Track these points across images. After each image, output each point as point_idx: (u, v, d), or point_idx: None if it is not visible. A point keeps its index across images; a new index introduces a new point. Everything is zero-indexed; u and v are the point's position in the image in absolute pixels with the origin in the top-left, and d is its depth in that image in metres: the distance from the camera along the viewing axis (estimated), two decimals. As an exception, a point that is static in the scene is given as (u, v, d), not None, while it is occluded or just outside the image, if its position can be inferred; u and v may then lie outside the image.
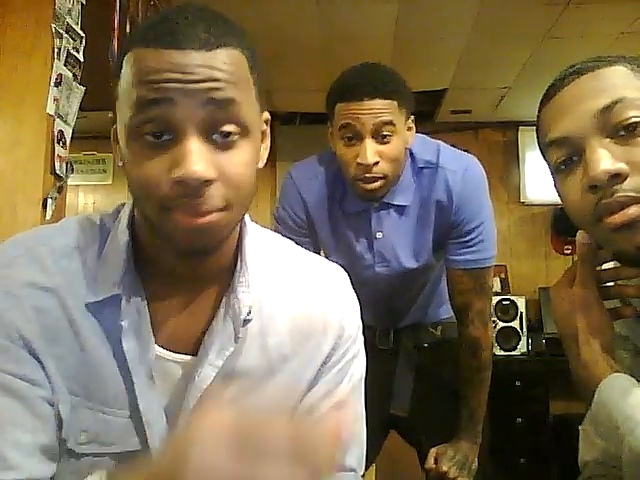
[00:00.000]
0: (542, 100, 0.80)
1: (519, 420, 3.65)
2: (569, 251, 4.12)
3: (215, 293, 0.78)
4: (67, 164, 1.89)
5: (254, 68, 0.72)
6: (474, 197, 1.43)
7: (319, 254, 1.50)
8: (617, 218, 0.71)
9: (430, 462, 1.53)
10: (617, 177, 0.70)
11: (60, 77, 1.84)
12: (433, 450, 1.54)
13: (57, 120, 1.84)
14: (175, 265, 0.75)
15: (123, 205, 0.81)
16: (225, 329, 0.75)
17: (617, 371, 0.75)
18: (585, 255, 0.80)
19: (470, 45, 3.16)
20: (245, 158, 0.68)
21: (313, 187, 1.48)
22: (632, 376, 0.74)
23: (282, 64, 3.29)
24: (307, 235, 1.52)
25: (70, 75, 1.90)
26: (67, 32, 1.88)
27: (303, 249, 0.89)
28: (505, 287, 4.12)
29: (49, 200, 1.80)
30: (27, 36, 1.85)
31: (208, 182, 0.64)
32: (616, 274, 0.80)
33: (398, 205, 1.44)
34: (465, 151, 1.51)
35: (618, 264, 0.80)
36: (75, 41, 1.92)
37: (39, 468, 0.68)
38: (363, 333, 0.87)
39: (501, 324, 3.84)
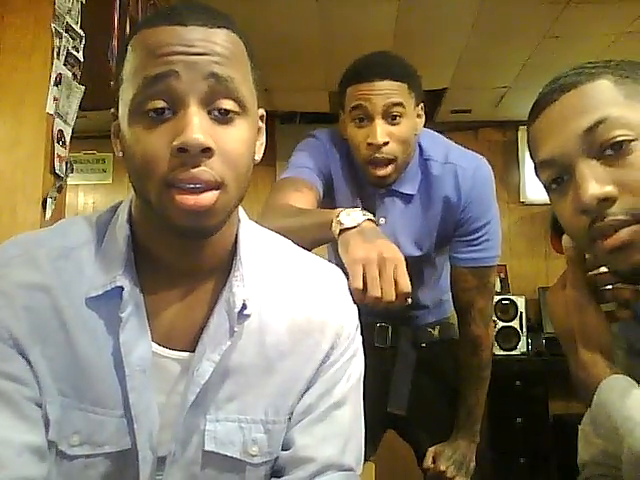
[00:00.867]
0: (529, 118, 0.80)
1: (519, 420, 3.65)
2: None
3: (211, 289, 0.78)
4: (67, 163, 1.89)
5: (251, 57, 0.75)
6: (483, 196, 1.44)
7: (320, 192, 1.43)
8: (610, 242, 0.71)
9: (428, 461, 1.53)
10: (606, 201, 0.70)
11: (60, 76, 1.84)
12: (431, 449, 1.54)
13: (57, 119, 1.84)
14: (172, 258, 0.76)
15: (120, 203, 0.81)
16: (221, 324, 0.75)
17: (616, 372, 0.75)
18: (573, 258, 0.81)
19: (470, 45, 3.16)
20: (242, 135, 0.71)
21: (337, 155, 1.48)
22: (629, 377, 0.74)
23: (282, 63, 3.29)
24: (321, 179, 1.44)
25: (70, 75, 1.90)
26: (67, 31, 1.88)
27: (301, 248, 0.90)
28: (505, 287, 4.12)
29: (49, 200, 1.80)
30: (27, 35, 1.85)
31: (207, 152, 0.67)
32: (612, 277, 0.80)
33: (404, 193, 1.44)
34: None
35: None
36: (75, 40, 1.92)
37: (30, 468, 0.68)
38: (361, 331, 0.88)
39: (501, 324, 3.84)
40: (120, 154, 0.74)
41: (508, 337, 3.84)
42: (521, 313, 3.90)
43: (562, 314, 0.82)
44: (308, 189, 1.35)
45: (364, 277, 0.94)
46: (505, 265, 4.16)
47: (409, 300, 0.98)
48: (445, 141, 1.50)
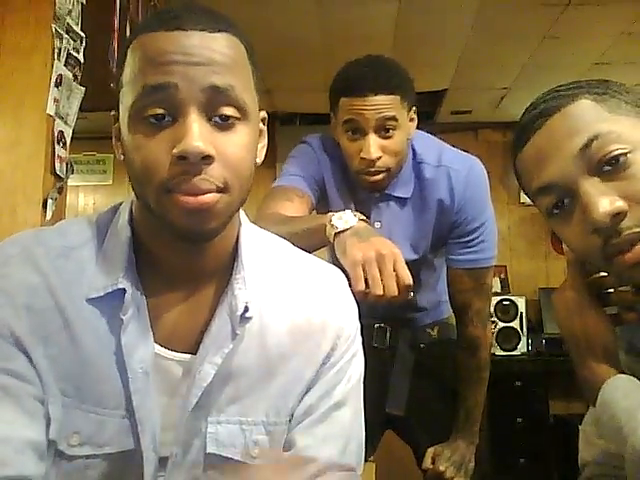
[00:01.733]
0: (514, 147, 0.80)
1: (519, 420, 3.65)
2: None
3: (213, 291, 0.78)
4: (67, 164, 1.89)
5: (252, 60, 0.74)
6: (477, 197, 1.44)
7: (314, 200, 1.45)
8: (630, 258, 0.70)
9: (427, 462, 1.53)
10: (618, 215, 0.70)
11: (60, 78, 1.85)
12: (430, 450, 1.54)
13: (57, 121, 1.84)
14: (174, 260, 0.75)
15: (120, 203, 0.81)
16: (223, 326, 0.75)
17: (621, 372, 0.76)
18: (572, 261, 0.81)
19: (470, 45, 3.16)
20: (243, 140, 0.71)
21: (329, 161, 1.48)
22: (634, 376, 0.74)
23: (282, 64, 3.29)
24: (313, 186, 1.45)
25: (70, 76, 1.90)
26: (67, 33, 1.88)
27: (301, 250, 0.90)
28: (505, 287, 4.13)
29: (49, 200, 1.80)
30: (27, 36, 1.85)
31: (207, 159, 0.66)
32: (616, 281, 0.80)
33: (398, 197, 1.44)
34: (465, 151, 1.52)
35: None
36: (75, 42, 1.93)
37: (31, 465, 0.68)
38: (360, 333, 0.88)
39: (501, 324, 3.84)
40: (121, 157, 0.74)
41: (508, 337, 3.84)
42: (521, 313, 3.90)
43: (565, 315, 0.82)
44: (299, 198, 1.36)
45: (365, 277, 0.96)
46: (505, 265, 4.16)
47: (412, 293, 1.00)
48: (438, 143, 1.50)
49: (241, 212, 0.81)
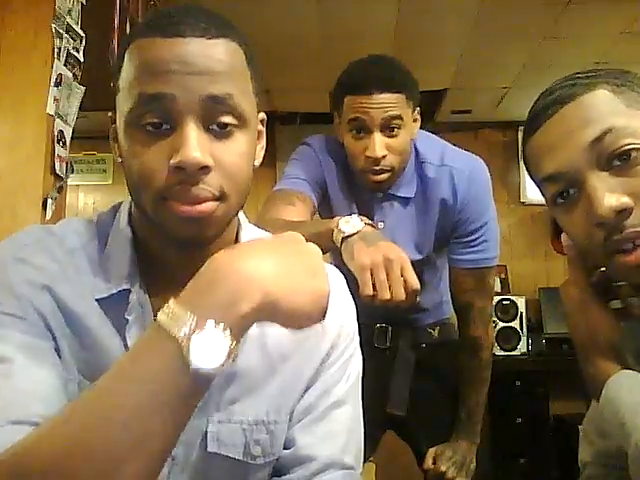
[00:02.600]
0: (526, 132, 0.78)
1: (519, 420, 3.65)
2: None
3: None
4: (67, 164, 1.89)
5: (251, 64, 0.74)
6: (479, 197, 1.44)
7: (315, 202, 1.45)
8: (632, 259, 0.70)
9: (428, 462, 1.53)
10: (623, 212, 0.69)
11: (60, 77, 1.85)
12: (432, 450, 1.54)
13: (57, 120, 1.84)
14: (174, 262, 0.75)
15: (120, 204, 0.81)
16: None
17: (626, 368, 0.75)
18: (573, 257, 0.80)
19: (470, 45, 3.16)
20: (241, 148, 0.70)
21: (331, 163, 1.48)
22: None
23: (282, 64, 3.29)
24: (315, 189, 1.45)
25: (70, 75, 1.90)
26: (67, 32, 1.88)
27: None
28: (505, 287, 4.12)
29: (49, 200, 1.80)
30: (27, 36, 1.85)
31: (205, 169, 0.66)
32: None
33: (401, 197, 1.44)
34: (466, 151, 1.52)
35: None
36: (75, 41, 1.93)
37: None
38: (360, 332, 0.88)
39: (501, 324, 3.84)
40: (119, 159, 0.73)
41: (508, 337, 3.84)
42: (521, 313, 3.90)
43: (571, 312, 0.81)
44: (301, 202, 1.36)
45: (373, 282, 0.97)
46: (505, 265, 4.16)
47: (419, 298, 1.01)
48: (441, 143, 1.50)
49: (241, 213, 0.81)
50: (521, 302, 3.93)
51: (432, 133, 1.55)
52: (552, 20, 2.89)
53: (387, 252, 1.01)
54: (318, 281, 0.60)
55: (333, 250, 1.12)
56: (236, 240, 0.80)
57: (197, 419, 0.75)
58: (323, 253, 1.19)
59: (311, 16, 2.88)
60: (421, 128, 1.46)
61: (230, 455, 0.76)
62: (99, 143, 3.99)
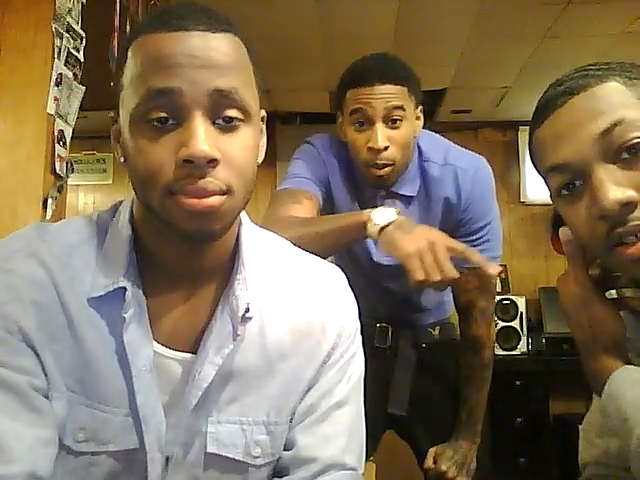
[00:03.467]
0: (534, 122, 0.77)
1: (519, 420, 3.65)
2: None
3: (213, 291, 0.78)
4: (67, 164, 1.89)
5: (252, 60, 0.74)
6: (483, 197, 1.44)
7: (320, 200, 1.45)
8: (633, 251, 0.69)
9: (429, 462, 1.53)
10: (628, 205, 0.68)
11: (60, 77, 1.85)
12: (432, 450, 1.54)
13: (57, 120, 1.84)
14: (175, 260, 0.75)
15: (120, 202, 0.81)
16: (224, 327, 0.75)
17: (628, 363, 0.75)
18: (573, 252, 0.80)
19: (470, 45, 3.16)
20: (247, 142, 0.70)
21: (334, 161, 1.47)
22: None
23: (282, 63, 3.29)
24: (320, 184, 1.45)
25: (70, 75, 1.90)
26: (67, 32, 1.88)
27: (300, 250, 0.90)
28: (505, 287, 4.12)
29: (49, 200, 1.80)
30: (27, 35, 1.85)
31: (213, 162, 0.66)
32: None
33: (404, 195, 1.44)
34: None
35: None
36: (75, 41, 1.93)
37: (42, 462, 0.68)
38: (361, 331, 0.88)
39: (501, 324, 3.84)
40: (121, 159, 0.73)
41: (508, 337, 3.84)
42: (521, 313, 3.90)
43: (572, 310, 0.80)
44: (308, 200, 1.35)
45: (423, 267, 1.02)
46: (505, 265, 4.16)
47: (476, 256, 1.07)
48: (444, 142, 1.50)
49: (242, 212, 0.81)
50: (521, 302, 3.93)
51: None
52: (552, 20, 2.89)
53: (427, 236, 1.05)
54: None
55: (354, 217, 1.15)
56: (237, 238, 0.80)
57: (196, 419, 0.75)
58: (341, 249, 1.22)
59: (311, 16, 2.88)
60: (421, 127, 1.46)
61: (230, 455, 0.76)
62: (99, 143, 3.99)
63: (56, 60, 1.84)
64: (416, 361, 1.58)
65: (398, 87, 1.32)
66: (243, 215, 0.82)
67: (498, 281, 4.02)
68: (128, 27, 2.12)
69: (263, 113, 0.79)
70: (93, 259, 0.75)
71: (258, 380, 0.78)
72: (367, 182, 1.41)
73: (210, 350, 0.74)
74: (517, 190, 4.34)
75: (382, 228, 1.10)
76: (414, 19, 2.90)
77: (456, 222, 1.44)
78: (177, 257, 0.75)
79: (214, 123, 0.68)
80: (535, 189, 4.30)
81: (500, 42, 3.14)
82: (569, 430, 3.50)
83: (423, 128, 1.46)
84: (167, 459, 0.74)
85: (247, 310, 0.75)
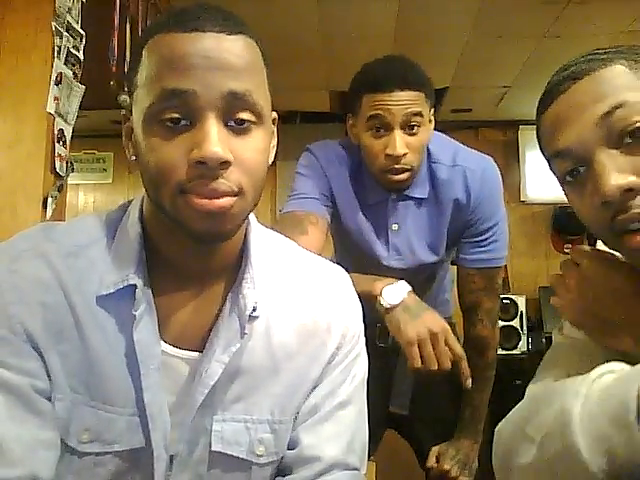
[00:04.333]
0: (539, 107, 0.76)
1: (519, 419, 3.65)
2: (569, 250, 4.12)
3: (221, 290, 0.78)
4: (67, 163, 1.89)
5: (266, 62, 0.75)
6: (491, 197, 1.44)
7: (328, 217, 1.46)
8: (639, 240, 0.67)
9: (432, 461, 1.53)
10: (629, 192, 0.66)
11: (60, 76, 1.85)
12: (435, 449, 1.54)
13: (57, 119, 1.84)
14: (183, 259, 0.76)
15: (130, 201, 0.81)
16: (231, 325, 0.75)
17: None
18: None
19: (470, 44, 3.16)
20: (259, 145, 0.70)
21: (336, 170, 1.46)
22: None
23: (282, 63, 3.28)
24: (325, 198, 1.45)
25: (70, 74, 1.90)
26: (67, 31, 1.88)
27: (306, 250, 0.90)
28: (505, 286, 4.12)
29: (49, 199, 1.80)
30: (27, 35, 1.85)
31: (225, 164, 0.66)
32: None
33: (415, 197, 1.44)
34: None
35: None
36: (75, 40, 1.92)
37: (42, 465, 0.68)
38: (364, 331, 0.88)
39: (501, 323, 3.84)
40: (132, 158, 0.73)
41: (509, 336, 3.84)
42: (522, 312, 3.90)
43: (588, 282, 0.75)
44: (314, 225, 1.34)
45: (421, 355, 1.12)
46: (505, 264, 4.15)
47: (465, 364, 1.17)
48: (452, 143, 1.50)
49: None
50: (521, 301, 3.93)
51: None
52: (552, 19, 2.89)
53: (431, 325, 1.13)
54: None
55: (334, 245, 1.16)
56: (245, 238, 0.80)
57: (201, 417, 0.75)
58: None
59: (311, 15, 2.87)
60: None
61: (234, 454, 0.76)
62: (99, 142, 4.00)
63: (56, 59, 1.83)
64: None
65: (417, 93, 1.31)
66: (251, 215, 0.82)
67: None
68: (128, 26, 2.12)
69: (274, 115, 0.79)
70: (101, 258, 0.75)
71: (263, 379, 0.78)
72: (382, 186, 1.40)
73: (217, 348, 0.74)
74: (517, 189, 4.34)
75: (391, 307, 1.18)
76: (414, 19, 2.90)
77: (464, 223, 1.44)
78: (186, 256, 0.75)
79: (227, 125, 0.68)
80: (535, 188, 4.30)
81: (500, 42, 3.14)
82: (569, 429, 3.49)
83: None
84: (171, 457, 0.74)
85: (254, 309, 0.75)
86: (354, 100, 1.37)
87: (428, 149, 1.44)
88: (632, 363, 0.66)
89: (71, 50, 1.90)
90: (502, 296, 3.92)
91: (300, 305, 0.81)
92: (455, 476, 1.50)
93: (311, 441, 0.79)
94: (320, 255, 1.02)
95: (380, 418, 1.53)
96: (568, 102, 0.71)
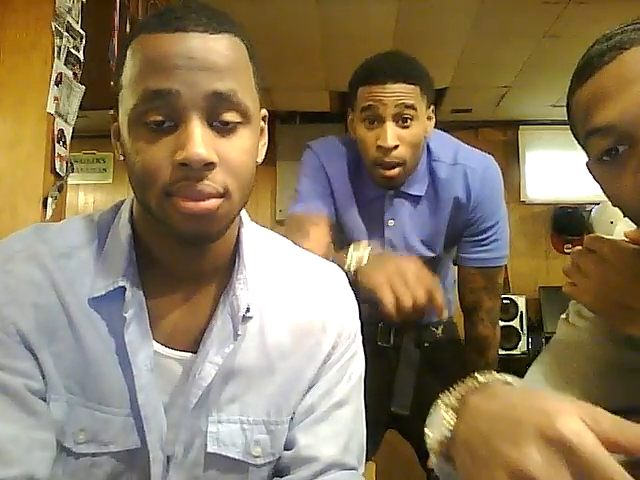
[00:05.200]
0: (575, 80, 0.70)
1: (519, 419, 3.65)
2: (569, 250, 4.12)
3: (213, 291, 0.78)
4: (67, 163, 1.89)
5: (253, 59, 0.73)
6: (492, 196, 1.44)
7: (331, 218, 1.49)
8: None
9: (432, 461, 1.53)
10: None
11: (60, 76, 1.84)
12: (436, 449, 1.54)
13: (57, 119, 1.84)
14: (174, 260, 0.75)
15: (122, 202, 0.81)
16: (224, 326, 0.75)
17: None
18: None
19: (470, 44, 3.16)
20: (245, 145, 0.70)
21: (336, 166, 1.47)
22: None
23: (281, 63, 3.29)
24: (326, 197, 1.48)
25: (70, 74, 1.89)
26: (67, 31, 1.88)
27: (301, 249, 0.90)
28: (505, 286, 4.12)
29: (49, 199, 1.80)
30: (27, 35, 1.85)
31: (210, 166, 0.66)
32: None
33: (413, 195, 1.44)
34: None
35: None
36: (75, 40, 1.92)
37: (39, 465, 0.68)
38: (363, 330, 0.88)
39: (501, 323, 3.82)
40: (121, 157, 0.73)
41: (509, 337, 3.84)
42: (521, 312, 3.90)
43: (612, 268, 0.72)
44: (316, 226, 1.35)
45: (395, 295, 1.05)
46: (505, 264, 4.16)
47: (439, 296, 1.08)
48: (454, 142, 1.50)
49: (242, 211, 0.81)
50: (521, 301, 3.93)
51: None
52: (552, 19, 2.89)
53: (398, 265, 1.08)
54: None
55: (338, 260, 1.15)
56: (237, 238, 0.80)
57: (196, 419, 0.75)
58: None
59: (311, 15, 2.87)
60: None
61: (230, 455, 0.76)
62: (99, 142, 3.99)
63: (56, 59, 1.83)
64: (419, 360, 1.58)
65: (410, 86, 1.31)
66: (244, 215, 0.82)
67: (498, 280, 4.03)
68: (128, 26, 2.12)
69: (264, 112, 0.79)
70: (93, 260, 0.75)
71: (258, 379, 0.78)
72: (377, 182, 1.40)
73: (210, 350, 0.74)
74: (517, 189, 4.34)
75: (357, 269, 1.15)
76: (414, 19, 2.90)
77: (464, 222, 1.45)
78: (176, 257, 0.75)
79: (212, 125, 0.67)
80: (535, 188, 4.30)
81: (500, 42, 3.14)
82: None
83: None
84: (168, 459, 0.74)
85: (248, 310, 0.75)
86: (351, 93, 1.38)
87: (429, 147, 1.44)
88: None
89: (71, 50, 1.90)
90: (502, 296, 3.92)
91: (295, 304, 0.81)
92: (456, 476, 1.50)
93: (308, 441, 0.78)
94: (324, 255, 1.03)
95: (381, 418, 1.53)
96: (612, 75, 0.65)
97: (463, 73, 3.53)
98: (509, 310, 3.89)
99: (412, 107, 1.31)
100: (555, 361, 0.82)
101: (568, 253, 0.85)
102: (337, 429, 0.80)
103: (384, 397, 1.53)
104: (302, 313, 0.81)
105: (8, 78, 1.84)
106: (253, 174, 0.73)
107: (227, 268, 0.78)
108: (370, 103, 1.32)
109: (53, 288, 0.72)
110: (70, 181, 1.99)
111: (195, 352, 0.75)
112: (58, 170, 1.83)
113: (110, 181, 4.48)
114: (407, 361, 1.58)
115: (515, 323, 3.88)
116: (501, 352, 3.70)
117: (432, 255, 1.49)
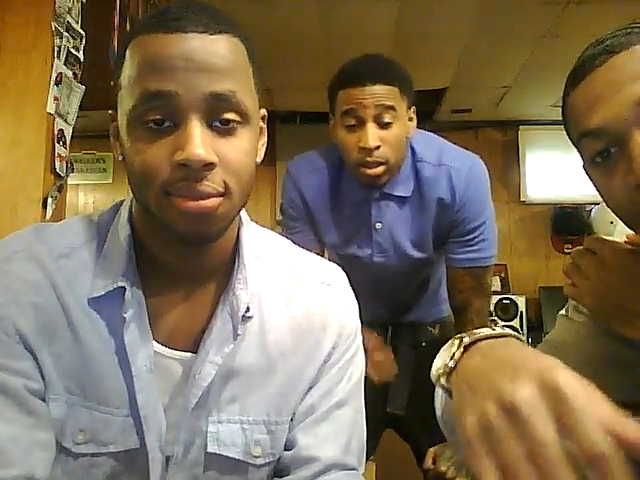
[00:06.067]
0: (569, 83, 0.70)
1: (519, 419, 3.65)
2: (569, 250, 4.12)
3: (213, 290, 0.78)
4: (67, 163, 1.89)
5: (252, 60, 0.73)
6: (477, 196, 1.44)
7: (320, 245, 1.53)
8: None
9: (428, 462, 1.53)
10: None
11: (60, 76, 1.84)
12: (431, 450, 1.54)
13: (57, 119, 1.84)
14: (174, 260, 0.75)
15: (121, 202, 0.81)
16: (224, 326, 0.75)
17: None
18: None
19: (470, 44, 3.16)
20: (244, 145, 0.70)
21: (312, 180, 1.48)
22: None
23: (282, 63, 3.29)
24: (308, 225, 1.53)
25: (70, 74, 1.90)
26: (67, 31, 1.88)
27: (301, 248, 0.90)
28: (505, 286, 4.12)
29: (49, 199, 1.80)
30: (27, 35, 1.85)
31: (209, 166, 0.66)
32: None
33: (398, 196, 1.44)
34: (466, 149, 1.51)
35: None
36: (75, 40, 1.92)
37: (38, 465, 0.68)
38: (361, 331, 0.88)
39: (501, 323, 3.84)
40: (120, 158, 0.73)
41: (508, 337, 3.84)
42: (521, 312, 3.90)
43: (607, 270, 0.73)
44: None
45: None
46: (505, 264, 4.16)
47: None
48: (439, 142, 1.49)
49: (242, 211, 0.81)
50: (521, 301, 3.93)
51: (432, 132, 1.55)
52: (552, 19, 2.89)
53: None
54: None
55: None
56: (237, 238, 0.80)
57: (196, 419, 0.75)
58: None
59: (312, 15, 2.88)
60: (421, 127, 1.46)
61: (230, 455, 0.76)
62: (99, 142, 4.00)
63: (56, 59, 1.83)
64: (415, 360, 1.58)
65: (389, 87, 1.31)
66: (243, 215, 0.81)
67: (498, 280, 4.03)
68: (128, 26, 2.12)
69: (264, 112, 0.78)
70: (92, 260, 0.75)
71: (258, 380, 0.77)
72: (360, 183, 1.40)
73: (210, 350, 0.74)
74: (517, 189, 4.34)
75: None
76: (414, 19, 2.90)
77: (451, 222, 1.44)
78: (176, 257, 0.75)
79: (211, 126, 0.67)
80: (535, 188, 4.30)
81: (500, 41, 3.14)
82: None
83: (422, 128, 1.46)
84: (167, 459, 0.74)
85: (247, 310, 0.75)
86: (331, 98, 1.38)
87: (413, 148, 1.44)
88: None
89: (71, 50, 1.90)
90: (502, 296, 3.92)
91: (295, 304, 0.81)
92: (451, 477, 1.50)
93: (308, 442, 0.78)
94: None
95: (378, 418, 1.53)
96: (603, 78, 0.66)
97: (463, 73, 3.53)
98: (509, 310, 3.90)
99: (392, 108, 1.31)
100: (550, 355, 0.82)
101: (568, 253, 0.85)
102: (337, 429, 0.80)
103: (380, 397, 1.54)
104: (302, 313, 0.81)
105: (8, 78, 1.84)
106: (253, 174, 0.73)
107: (227, 268, 0.78)
108: (350, 106, 1.32)
109: (52, 288, 0.72)
110: (70, 181, 1.99)
111: (195, 352, 0.75)
112: (58, 170, 1.83)
113: (110, 181, 4.48)
114: (403, 361, 1.58)
115: (515, 323, 3.88)
116: (501, 352, 3.74)
117: (424, 256, 1.49)
